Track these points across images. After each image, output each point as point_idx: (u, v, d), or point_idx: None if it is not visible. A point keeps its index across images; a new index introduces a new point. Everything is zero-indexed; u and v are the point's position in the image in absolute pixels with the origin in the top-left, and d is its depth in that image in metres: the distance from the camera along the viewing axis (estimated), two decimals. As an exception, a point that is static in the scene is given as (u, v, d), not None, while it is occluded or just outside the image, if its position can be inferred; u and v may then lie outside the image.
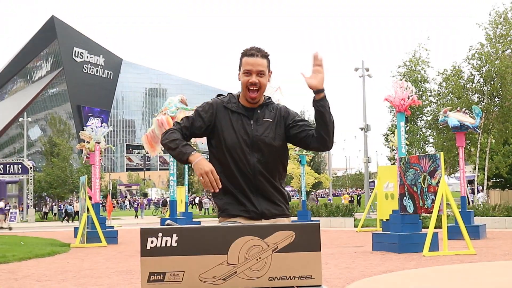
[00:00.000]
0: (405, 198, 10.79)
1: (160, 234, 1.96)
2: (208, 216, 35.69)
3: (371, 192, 23.60)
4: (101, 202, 21.50)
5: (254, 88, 2.54)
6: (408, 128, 24.85)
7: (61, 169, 42.35)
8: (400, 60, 33.85)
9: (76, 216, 29.69)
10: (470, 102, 23.26)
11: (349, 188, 70.99)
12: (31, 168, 35.43)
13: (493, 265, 8.52)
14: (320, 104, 2.46)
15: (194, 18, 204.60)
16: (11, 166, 35.35)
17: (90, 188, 15.77)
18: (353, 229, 18.38)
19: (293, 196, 48.30)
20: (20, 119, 48.73)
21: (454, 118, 13.63)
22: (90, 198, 14.97)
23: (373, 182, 32.84)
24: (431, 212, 10.02)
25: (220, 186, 2.40)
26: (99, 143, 15.74)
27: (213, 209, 37.41)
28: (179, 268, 1.95)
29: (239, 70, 2.60)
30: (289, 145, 2.73)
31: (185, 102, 12.34)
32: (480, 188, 28.03)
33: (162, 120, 11.61)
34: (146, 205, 49.28)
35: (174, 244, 1.95)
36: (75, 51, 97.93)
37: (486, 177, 25.81)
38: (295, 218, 19.35)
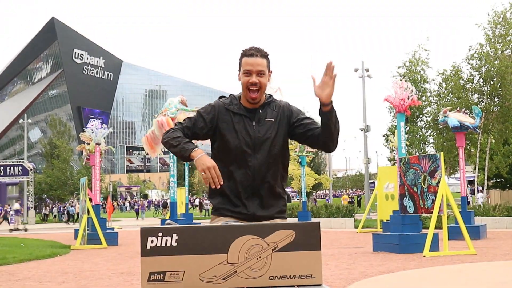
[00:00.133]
0: (405, 198, 10.79)
1: (160, 234, 1.96)
2: (208, 217, 35.69)
3: (372, 193, 23.60)
4: (101, 203, 21.53)
5: (255, 88, 2.53)
6: (408, 128, 24.88)
7: (61, 171, 42.39)
8: (400, 61, 33.92)
9: (78, 217, 29.71)
10: (469, 102, 23.29)
11: (349, 189, 71.03)
12: (31, 169, 35.45)
13: (493, 265, 8.53)
14: (327, 117, 2.44)
15: (194, 19, 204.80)
16: (12, 168, 35.38)
17: (91, 190, 15.77)
18: (354, 230, 18.38)
19: (293, 197, 48.32)
20: (21, 120, 48.74)
21: (454, 118, 13.65)
22: (90, 199, 14.98)
23: (373, 183, 32.82)
24: (431, 213, 10.02)
25: (222, 182, 2.39)
26: (99, 144, 15.76)
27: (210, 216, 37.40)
28: (179, 267, 1.95)
29: (239, 70, 2.59)
30: (289, 147, 2.72)
31: (185, 103, 12.34)
32: (480, 188, 28.03)
33: (162, 121, 11.61)
34: (146, 207, 49.31)
35: (174, 244, 1.95)
36: (75, 52, 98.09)
37: (486, 177, 25.82)
38: (296, 219, 19.36)
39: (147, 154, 15.44)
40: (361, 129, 29.58)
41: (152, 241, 1.95)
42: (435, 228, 10.30)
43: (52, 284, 7.57)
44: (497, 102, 24.73)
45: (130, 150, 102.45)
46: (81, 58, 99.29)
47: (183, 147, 2.48)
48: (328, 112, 2.42)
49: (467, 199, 15.54)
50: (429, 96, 27.12)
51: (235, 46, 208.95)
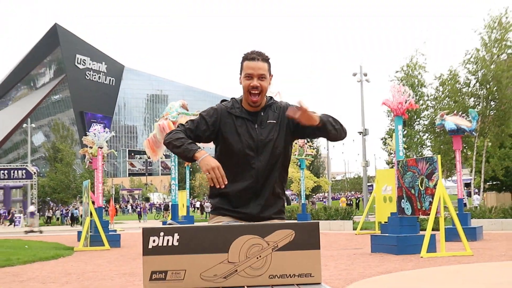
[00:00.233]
0: (403, 200, 10.90)
1: (161, 234, 1.98)
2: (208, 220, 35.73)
3: (370, 195, 23.73)
4: (104, 206, 21.64)
5: (256, 92, 2.55)
6: (405, 132, 24.97)
7: (64, 174, 42.57)
8: (398, 65, 34.07)
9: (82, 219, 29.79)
10: (466, 106, 23.40)
11: (348, 192, 71.03)
12: (35, 173, 35.62)
13: (489, 266, 8.58)
14: (322, 129, 2.52)
15: (195, 26, 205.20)
16: (15, 171, 35.56)
17: (93, 193, 15.92)
18: (352, 231, 18.43)
19: (292, 200, 48.38)
20: (24, 125, 48.99)
21: (451, 121, 13.76)
22: (93, 202, 15.12)
23: (372, 185, 32.92)
24: (429, 214, 10.13)
25: (226, 182, 2.41)
26: (101, 148, 15.88)
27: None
28: (180, 266, 1.97)
29: (240, 74, 2.60)
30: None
31: (186, 107, 12.48)
32: (476, 190, 28.13)
33: (164, 125, 11.74)
34: (148, 210, 49.48)
35: (176, 243, 1.97)
36: (78, 58, 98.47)
37: (482, 179, 25.91)
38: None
39: (149, 158, 15.51)
40: (360, 133, 29.66)
41: (154, 241, 1.97)
42: (432, 229, 10.35)
43: (55, 285, 7.62)
44: (493, 105, 24.83)
45: (132, 154, 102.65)
46: (84, 64, 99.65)
47: (187, 148, 2.49)
48: (321, 126, 2.51)
49: (464, 201, 15.64)
50: (426, 100, 27.21)
51: (235, 51, 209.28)
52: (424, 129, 27.97)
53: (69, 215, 34.60)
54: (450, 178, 31.42)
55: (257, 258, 1.99)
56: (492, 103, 24.91)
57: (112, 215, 26.56)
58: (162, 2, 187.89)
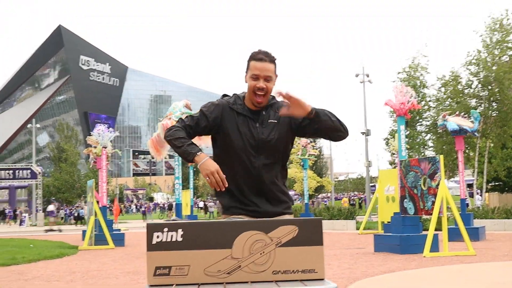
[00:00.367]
0: (406, 200, 10.93)
1: (165, 229, 1.99)
2: (213, 219, 35.83)
3: (373, 195, 23.76)
4: (108, 206, 21.74)
5: (261, 93, 2.55)
6: (408, 132, 25.00)
7: (69, 174, 42.80)
8: (400, 66, 34.12)
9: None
10: (468, 107, 23.42)
11: (351, 192, 70.97)
12: (39, 173, 35.78)
13: (492, 266, 8.58)
14: (317, 120, 2.51)
15: (198, 26, 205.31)
16: (20, 171, 35.74)
17: (98, 192, 16.00)
18: (355, 231, 18.42)
19: (295, 200, 48.42)
20: (29, 125, 49.17)
21: (453, 122, 13.76)
22: (97, 202, 15.20)
23: (374, 185, 32.94)
24: (431, 214, 10.15)
25: (227, 185, 2.43)
26: (106, 147, 15.96)
27: (218, 212, 37.58)
28: (184, 262, 1.98)
29: (246, 72, 2.60)
30: (292, 150, 2.80)
31: (190, 107, 12.54)
32: (478, 191, 28.13)
33: (167, 125, 11.79)
34: (152, 209, 49.63)
35: (180, 239, 1.98)
36: (82, 59, 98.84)
37: (485, 180, 25.88)
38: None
39: (153, 158, 15.54)
40: (362, 133, 29.67)
41: (158, 236, 1.99)
42: (435, 230, 10.37)
43: (60, 283, 7.66)
44: (495, 107, 24.86)
45: (136, 154, 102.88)
46: (88, 65, 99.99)
47: (186, 150, 2.49)
48: (314, 117, 2.50)
49: (466, 201, 15.66)
50: (429, 101, 27.24)
51: (238, 52, 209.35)
52: (427, 130, 27.98)
53: (73, 214, 34.77)
54: (452, 179, 31.41)
55: (261, 254, 2.00)
56: (494, 104, 24.93)
57: (116, 214, 26.62)
58: (165, 3, 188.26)
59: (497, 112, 24.76)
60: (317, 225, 2.04)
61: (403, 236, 10.63)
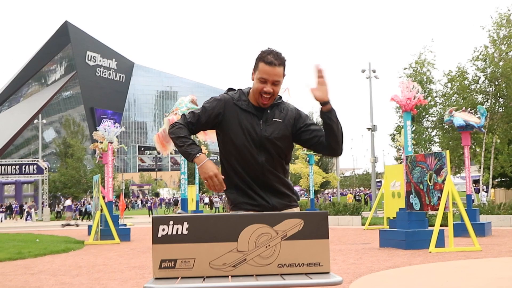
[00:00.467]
0: (411, 195, 10.90)
1: (171, 222, 1.99)
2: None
3: (378, 191, 23.75)
4: (114, 201, 21.83)
5: (267, 96, 2.54)
6: (414, 128, 24.93)
7: (75, 169, 42.97)
8: (406, 62, 34.01)
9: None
10: (475, 102, 23.32)
11: (357, 188, 70.93)
12: (46, 168, 35.98)
13: (498, 261, 8.54)
14: (327, 116, 2.49)
15: (204, 22, 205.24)
16: (27, 166, 35.94)
17: (104, 187, 16.05)
18: (361, 227, 18.41)
19: (301, 195, 48.44)
20: (35, 121, 49.39)
21: (460, 117, 13.70)
22: (103, 197, 15.25)
23: (380, 181, 32.91)
24: (437, 210, 10.12)
25: (225, 188, 2.47)
26: (112, 143, 16.01)
27: (223, 208, 37.67)
28: (190, 255, 1.99)
29: (253, 71, 2.57)
30: (297, 145, 2.80)
31: (196, 103, 12.55)
32: (484, 188, 28.05)
33: (173, 120, 11.82)
34: (158, 204, 49.90)
35: (185, 232, 1.98)
36: (88, 55, 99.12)
37: (491, 176, 25.77)
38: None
39: (159, 153, 15.61)
40: (368, 129, 29.61)
41: (163, 229, 1.99)
42: (441, 225, 10.34)
43: (66, 277, 7.69)
44: (502, 102, 24.76)
45: (142, 149, 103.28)
46: (94, 61, 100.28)
47: (187, 150, 2.51)
48: (328, 111, 2.48)
49: (472, 197, 15.62)
50: (435, 97, 27.13)
51: (244, 47, 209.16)
52: (433, 125, 27.88)
53: (78, 209, 34.97)
54: (458, 175, 31.30)
55: (266, 247, 2.00)
56: (500, 100, 24.83)
57: (122, 209, 26.75)
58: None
59: (503, 107, 24.67)
60: (323, 218, 2.03)
61: (409, 232, 10.60)
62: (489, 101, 24.52)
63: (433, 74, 27.89)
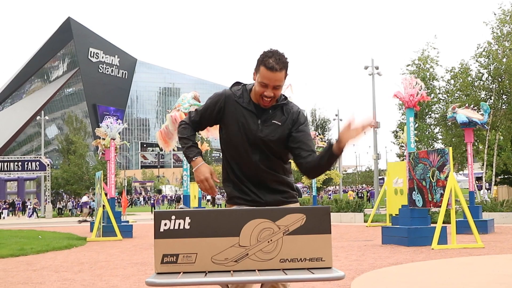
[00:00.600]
0: (414, 192, 10.88)
1: (173, 217, 2.00)
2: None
3: (381, 188, 23.74)
4: (116, 198, 21.89)
5: (268, 99, 2.52)
6: (417, 125, 24.90)
7: (77, 166, 43.05)
8: (409, 59, 33.96)
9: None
10: (478, 99, 23.26)
11: (359, 185, 70.95)
12: (48, 165, 36.05)
13: (501, 258, 8.53)
14: (332, 155, 2.45)
15: (207, 19, 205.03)
16: (29, 163, 36.02)
17: (106, 184, 16.07)
18: (363, 224, 18.38)
19: (303, 192, 48.45)
20: (38, 117, 49.48)
21: (463, 114, 13.66)
22: (106, 194, 15.27)
23: (383, 178, 32.92)
24: (440, 206, 10.10)
25: (216, 193, 2.55)
26: (114, 139, 16.03)
27: (225, 205, 37.71)
28: (192, 250, 1.99)
29: (255, 71, 2.54)
30: None
31: (198, 99, 12.51)
32: (487, 185, 28.03)
33: (176, 116, 11.80)
34: (161, 201, 50.04)
35: (187, 227, 1.99)
36: (91, 51, 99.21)
37: (494, 173, 25.72)
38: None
39: (161, 150, 15.62)
40: (371, 126, 29.57)
41: (165, 224, 1.99)
42: (443, 223, 10.32)
43: (68, 274, 7.69)
44: (505, 99, 24.69)
45: (144, 146, 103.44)
46: (97, 57, 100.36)
47: (186, 153, 2.60)
48: (337, 155, 2.45)
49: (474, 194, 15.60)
50: (438, 94, 27.07)
51: (247, 44, 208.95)
52: (436, 122, 27.83)
53: (80, 206, 35.01)
54: (461, 172, 31.25)
55: (268, 242, 2.00)
56: (504, 96, 24.77)
57: (124, 206, 26.82)
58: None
59: (507, 104, 24.60)
60: (325, 213, 2.03)
61: (411, 229, 10.59)
62: (492, 98, 24.45)
63: (436, 71, 27.85)
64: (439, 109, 27.30)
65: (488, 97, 24.74)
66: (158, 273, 2.01)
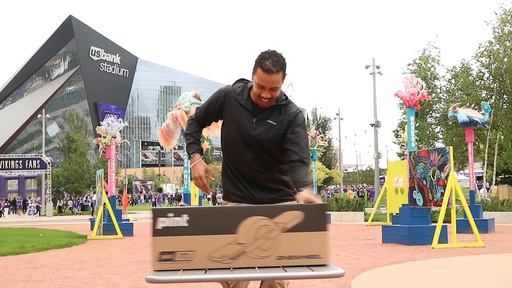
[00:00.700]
0: (414, 191, 10.88)
1: (171, 214, 1.98)
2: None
3: (382, 187, 23.72)
4: (117, 196, 21.91)
5: (266, 100, 2.53)
6: (417, 124, 24.88)
7: (78, 164, 43.02)
8: (410, 58, 33.91)
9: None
10: (479, 98, 23.24)
11: (360, 184, 70.92)
12: (49, 163, 36.11)
13: (501, 257, 8.53)
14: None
15: (208, 17, 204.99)
16: (30, 161, 36.06)
17: (107, 182, 16.07)
18: (364, 223, 18.35)
19: None
20: (39, 116, 49.67)
21: (464, 113, 13.66)
22: (106, 192, 15.28)
23: (383, 177, 32.91)
24: (440, 205, 10.11)
25: (210, 191, 2.64)
26: (115, 137, 16.03)
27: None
28: (189, 247, 1.98)
29: (253, 72, 2.53)
30: None
31: (199, 98, 12.49)
32: (488, 185, 28.03)
33: (176, 115, 11.78)
34: (162, 200, 50.12)
35: (185, 224, 1.97)
36: (92, 49, 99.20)
37: (494, 173, 25.73)
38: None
39: (162, 148, 15.61)
40: (372, 125, 29.58)
41: (163, 222, 1.98)
42: (444, 222, 10.32)
43: (69, 272, 7.71)
44: (506, 99, 24.68)
45: (145, 145, 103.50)
46: (98, 55, 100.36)
47: (187, 149, 2.70)
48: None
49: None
50: (439, 93, 27.06)
51: (248, 43, 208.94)
52: (436, 121, 27.82)
53: (80, 204, 35.10)
54: (462, 171, 31.25)
55: (266, 239, 1.99)
56: (505, 96, 24.75)
57: (125, 205, 26.83)
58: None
59: (508, 104, 24.58)
60: (322, 210, 2.03)
61: (412, 227, 10.59)
62: (493, 97, 24.44)
63: (437, 70, 27.83)
64: (440, 108, 27.29)
65: (489, 96, 24.73)
66: (155, 271, 2.00)
